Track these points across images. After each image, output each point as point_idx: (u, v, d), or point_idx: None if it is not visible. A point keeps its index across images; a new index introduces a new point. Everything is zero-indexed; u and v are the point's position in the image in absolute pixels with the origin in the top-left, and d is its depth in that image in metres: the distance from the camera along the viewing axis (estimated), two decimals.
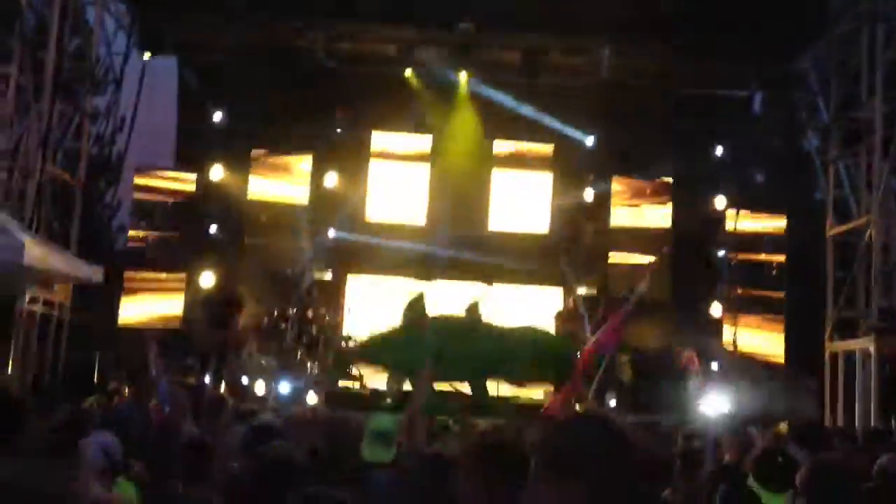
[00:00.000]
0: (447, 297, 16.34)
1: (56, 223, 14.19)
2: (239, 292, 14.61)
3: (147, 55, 16.42)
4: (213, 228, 16.38)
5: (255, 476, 4.02)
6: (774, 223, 16.69)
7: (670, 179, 17.02)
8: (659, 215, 17.00)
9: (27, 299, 12.46)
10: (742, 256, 16.63)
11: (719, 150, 16.88)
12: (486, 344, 13.02)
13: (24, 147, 13.67)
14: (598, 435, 2.05)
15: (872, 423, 12.79)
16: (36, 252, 11.25)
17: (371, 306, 16.17)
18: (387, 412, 6.71)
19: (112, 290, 15.23)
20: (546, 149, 17.27)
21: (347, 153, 16.77)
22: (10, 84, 13.54)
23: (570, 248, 16.48)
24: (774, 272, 16.58)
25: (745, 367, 15.53)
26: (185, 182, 16.67)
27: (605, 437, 2.05)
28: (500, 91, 16.73)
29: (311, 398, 12.55)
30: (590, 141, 16.82)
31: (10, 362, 11.91)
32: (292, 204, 16.72)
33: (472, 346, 12.72)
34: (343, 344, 14.84)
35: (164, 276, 16.19)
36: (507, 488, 2.59)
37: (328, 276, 16.00)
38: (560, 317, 14.83)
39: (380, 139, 17.22)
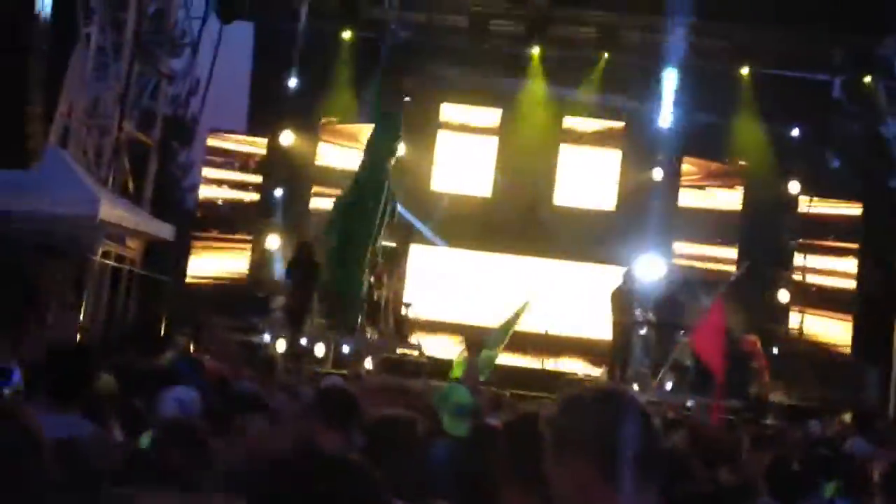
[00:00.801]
0: (509, 272, 16.41)
1: (131, 181, 14.53)
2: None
3: (224, 21, 16.58)
4: (280, 192, 16.59)
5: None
6: (849, 210, 16.27)
7: (743, 162, 16.70)
8: (730, 198, 16.72)
9: (100, 252, 12.81)
10: (814, 242, 16.26)
11: (795, 133, 16.45)
12: None
13: (101, 105, 14.02)
14: (603, 412, 1.97)
15: None
16: (110, 207, 11.60)
17: (433, 276, 16.28)
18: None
19: (182, 248, 15.58)
20: (616, 126, 17.08)
21: (416, 123, 16.79)
22: (91, 43, 13.89)
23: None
24: (847, 258, 16.16)
25: (809, 355, 15.24)
26: (257, 146, 16.93)
27: (611, 413, 1.96)
28: (574, 67, 16.58)
29: (368, 363, 12.69)
30: (663, 120, 16.54)
31: (83, 313, 12.27)
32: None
33: None
34: (404, 311, 14.95)
35: (232, 236, 16.52)
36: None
37: (392, 244, 16.08)
38: (615, 297, 14.62)
39: (449, 110, 17.22)
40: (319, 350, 13.12)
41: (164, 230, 13.41)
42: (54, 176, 11.20)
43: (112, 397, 5.25)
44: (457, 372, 10.70)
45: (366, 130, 16.99)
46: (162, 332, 13.59)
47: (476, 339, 10.41)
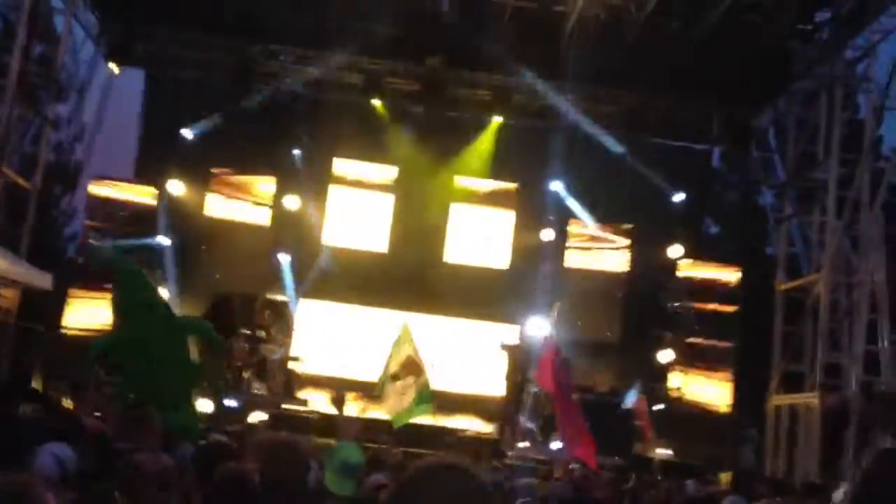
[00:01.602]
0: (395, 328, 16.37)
1: (8, 227, 13.95)
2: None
3: (114, 66, 16.28)
4: (167, 242, 16.18)
5: (207, 497, 3.91)
6: (727, 274, 16.93)
7: (629, 225, 17.23)
8: (616, 260, 17.21)
9: None
10: (694, 305, 16.82)
11: (678, 198, 17.07)
12: None
13: None
14: (438, 487, 1.88)
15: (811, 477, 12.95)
16: None
17: (323, 331, 16.12)
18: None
19: (60, 298, 14.98)
20: (509, 186, 17.43)
21: (310, 177, 16.74)
22: None
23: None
24: (724, 323, 16.77)
25: (690, 414, 15.67)
26: (144, 194, 16.50)
27: (446, 489, 1.87)
28: (467, 127, 16.90)
29: (256, 417, 12.40)
30: (555, 183, 16.94)
31: None
32: (250, 224, 16.64)
33: None
34: (292, 365, 14.73)
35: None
36: None
37: (281, 297, 15.86)
38: (508, 355, 14.81)
39: (342, 165, 17.24)
40: (206, 406, 12.73)
41: (42, 279, 12.90)
42: None
43: None
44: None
45: (257, 182, 16.88)
46: (33, 384, 12.95)
47: (341, 395, 10.24)
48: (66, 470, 4.39)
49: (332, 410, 13.41)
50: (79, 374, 13.10)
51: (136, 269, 6.75)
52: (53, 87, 15.38)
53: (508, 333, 14.98)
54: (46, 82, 15.30)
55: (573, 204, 16.95)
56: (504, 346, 14.58)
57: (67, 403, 11.81)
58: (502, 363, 14.67)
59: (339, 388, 12.57)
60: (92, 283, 15.71)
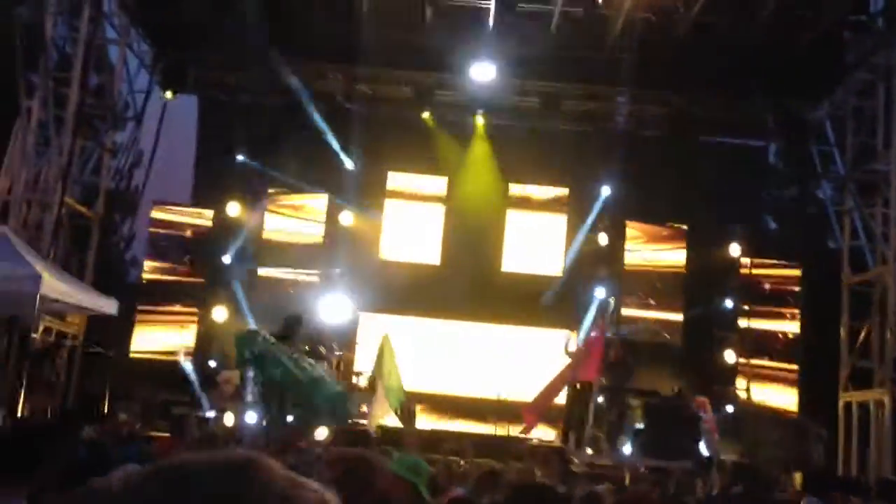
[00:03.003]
0: (459, 338, 16.43)
1: (73, 255, 14.29)
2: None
3: (169, 93, 16.63)
4: (227, 263, 16.44)
5: None
6: (789, 271, 16.63)
7: (685, 226, 17.04)
8: (673, 261, 17.01)
9: (41, 329, 12.51)
10: (757, 303, 16.55)
11: (734, 196, 16.83)
12: None
13: (43, 180, 13.85)
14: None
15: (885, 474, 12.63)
16: (52, 282, 11.35)
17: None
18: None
19: (125, 322, 15.29)
20: (561, 192, 17.36)
21: (363, 193, 16.89)
22: (33, 118, 13.77)
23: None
24: (788, 320, 16.47)
25: (757, 416, 15.40)
26: (202, 217, 16.81)
27: None
28: (518, 135, 16.87)
29: (320, 433, 12.48)
30: (605, 187, 16.84)
31: (23, 391, 11.92)
32: (307, 242, 16.82)
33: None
34: (354, 380, 14.82)
35: (177, 308, 16.27)
36: None
37: (341, 313, 15.99)
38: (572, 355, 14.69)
39: (396, 179, 17.35)
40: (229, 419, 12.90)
41: (107, 305, 13.17)
42: None
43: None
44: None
45: (313, 200, 17.07)
46: (102, 408, 13.25)
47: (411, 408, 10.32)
48: None
49: (394, 423, 13.47)
50: (144, 397, 13.38)
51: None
52: (110, 116, 15.76)
53: (569, 339, 14.87)
54: (103, 112, 15.68)
55: (627, 206, 16.81)
56: (569, 353, 14.47)
57: (133, 425, 12.05)
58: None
59: (408, 402, 12.67)
60: (155, 307, 16.05)
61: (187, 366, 15.10)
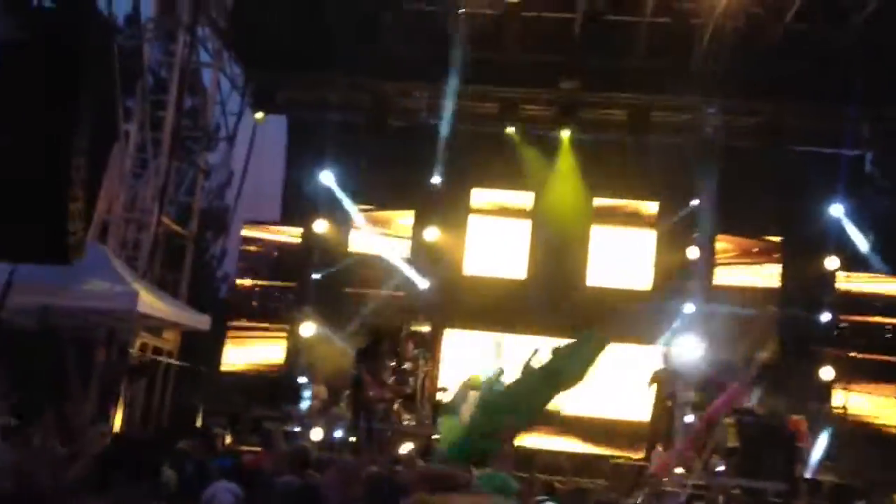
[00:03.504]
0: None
1: (168, 272, 14.73)
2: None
3: (259, 114, 17.03)
4: (315, 280, 16.71)
5: None
6: (888, 285, 16.03)
7: (778, 238, 16.60)
8: (767, 275, 16.59)
9: (138, 345, 12.91)
10: (853, 319, 16.00)
11: (830, 210, 16.34)
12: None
13: (140, 200, 14.33)
14: None
15: None
16: (148, 300, 11.71)
17: (467, 360, 16.18)
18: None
19: (216, 338, 15.68)
20: (649, 206, 17.10)
21: (448, 209, 16.96)
22: (130, 141, 14.28)
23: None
24: (888, 336, 15.87)
25: (855, 434, 14.87)
26: (291, 235, 17.16)
27: None
28: (605, 148, 16.70)
29: (405, 448, 12.57)
30: (695, 199, 16.53)
31: (121, 406, 12.31)
32: (391, 258, 16.97)
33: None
34: (439, 396, 14.86)
35: (267, 324, 16.62)
36: None
37: (426, 328, 16.07)
38: (657, 377, 14.46)
39: (480, 195, 17.37)
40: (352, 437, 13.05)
41: (201, 321, 13.52)
42: (94, 271, 11.32)
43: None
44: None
45: (398, 216, 17.23)
46: (198, 423, 13.58)
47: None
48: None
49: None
50: (235, 412, 13.66)
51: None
52: (204, 137, 16.23)
53: (655, 356, 14.63)
54: (197, 133, 16.17)
55: (718, 219, 16.46)
56: (655, 373, 14.26)
57: (226, 439, 12.32)
58: (650, 388, 14.31)
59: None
60: (245, 323, 16.43)
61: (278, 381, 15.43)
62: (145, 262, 13.87)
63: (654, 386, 14.19)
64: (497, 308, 16.05)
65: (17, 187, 8.97)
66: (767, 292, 16.51)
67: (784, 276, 16.41)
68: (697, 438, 12.14)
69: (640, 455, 14.27)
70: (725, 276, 16.75)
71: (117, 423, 12.03)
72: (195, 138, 16.18)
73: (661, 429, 13.84)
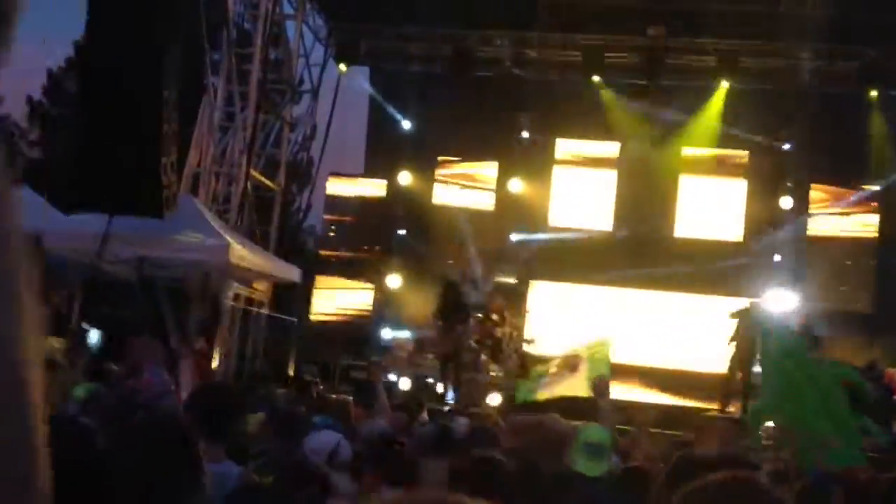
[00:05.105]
0: (631, 306, 16.10)
1: (256, 225, 14.94)
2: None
3: (342, 66, 17.04)
4: (400, 232, 16.78)
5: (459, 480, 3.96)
6: None
7: (875, 186, 16.01)
8: (864, 225, 16.04)
9: (231, 296, 13.16)
10: None
11: None
12: None
13: (229, 153, 14.51)
14: None
15: None
16: (239, 252, 11.90)
17: (553, 311, 16.12)
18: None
19: (305, 289, 15.91)
20: (740, 155, 16.64)
21: (532, 160, 16.78)
22: (218, 94, 14.42)
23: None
24: None
25: None
26: (375, 187, 17.22)
27: None
28: (692, 96, 16.27)
29: (493, 399, 12.61)
30: (788, 147, 16.01)
31: (216, 354, 12.60)
32: (477, 210, 16.92)
33: None
34: (525, 347, 14.84)
35: (354, 276, 16.80)
36: None
37: (512, 280, 16.05)
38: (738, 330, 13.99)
39: (564, 145, 17.13)
40: (439, 387, 13.16)
41: (291, 272, 13.71)
42: (187, 223, 11.56)
43: (257, 436, 5.35)
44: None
45: (482, 167, 17.12)
46: (291, 372, 13.86)
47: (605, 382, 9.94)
48: (343, 456, 4.64)
49: (568, 391, 13.37)
50: (326, 360, 13.87)
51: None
52: (289, 90, 16.30)
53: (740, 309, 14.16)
54: (282, 86, 16.24)
55: (812, 167, 15.94)
56: (733, 314, 13.76)
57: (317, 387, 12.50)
58: (730, 343, 13.86)
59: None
60: (332, 275, 16.63)
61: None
62: (235, 215, 14.07)
63: (734, 341, 13.79)
64: (583, 260, 15.89)
65: (113, 142, 9.19)
66: (864, 242, 15.98)
67: (882, 225, 15.83)
68: None
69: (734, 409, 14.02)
70: (820, 225, 16.24)
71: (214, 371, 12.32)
72: (280, 91, 16.24)
73: (736, 379, 13.57)
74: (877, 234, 15.95)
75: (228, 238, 11.93)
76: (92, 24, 9.37)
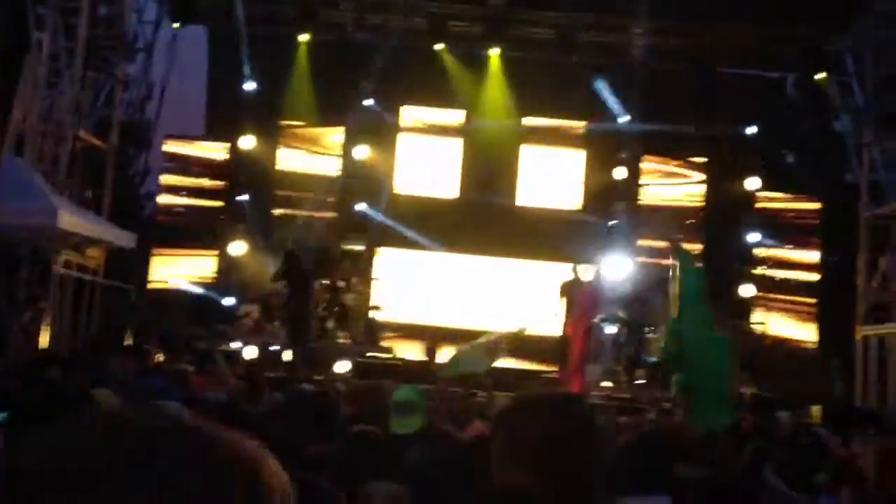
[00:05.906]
0: (476, 272, 16.38)
1: (88, 188, 14.19)
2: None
3: (177, 24, 16.34)
4: (243, 197, 16.32)
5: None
6: (807, 204, 16.54)
7: (704, 159, 16.90)
8: (691, 195, 16.92)
9: (61, 262, 12.46)
10: (774, 238, 16.50)
11: (752, 130, 16.68)
12: None
13: (56, 112, 13.66)
14: (552, 418, 1.77)
15: None
16: (69, 216, 11.28)
17: (399, 278, 16.18)
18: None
19: (142, 256, 15.26)
20: (578, 126, 17.15)
21: (378, 126, 16.69)
22: (43, 49, 13.53)
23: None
24: (807, 253, 16.44)
25: (775, 350, 15.45)
26: (217, 150, 16.66)
27: (563, 422, 1.77)
28: (533, 68, 16.60)
29: (341, 366, 12.55)
30: (623, 120, 16.65)
31: (47, 325, 11.92)
32: (321, 176, 16.70)
33: None
34: (372, 314, 14.83)
35: (194, 242, 16.22)
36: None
37: (358, 247, 15.96)
38: (563, 287, 14.45)
39: (410, 112, 17.13)
40: (287, 355, 12.94)
41: (125, 238, 13.11)
42: (11, 185, 10.86)
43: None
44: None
45: (327, 133, 16.88)
46: (126, 341, 13.27)
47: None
48: None
49: (416, 357, 13.52)
50: (167, 329, 13.38)
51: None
52: (120, 47, 15.48)
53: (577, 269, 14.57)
54: (113, 43, 15.41)
55: (645, 140, 16.65)
56: (561, 286, 14.19)
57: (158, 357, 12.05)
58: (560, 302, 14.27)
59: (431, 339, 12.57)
60: (171, 241, 16.00)
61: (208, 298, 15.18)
62: (64, 177, 13.30)
63: (564, 300, 14.15)
64: (428, 228, 16.01)
65: None
66: (691, 212, 16.86)
67: (708, 195, 16.75)
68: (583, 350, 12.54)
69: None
70: (651, 196, 17.00)
71: (45, 340, 11.65)
72: (111, 48, 15.41)
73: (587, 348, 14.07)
74: (703, 204, 16.84)
75: (56, 201, 11.27)
76: None
